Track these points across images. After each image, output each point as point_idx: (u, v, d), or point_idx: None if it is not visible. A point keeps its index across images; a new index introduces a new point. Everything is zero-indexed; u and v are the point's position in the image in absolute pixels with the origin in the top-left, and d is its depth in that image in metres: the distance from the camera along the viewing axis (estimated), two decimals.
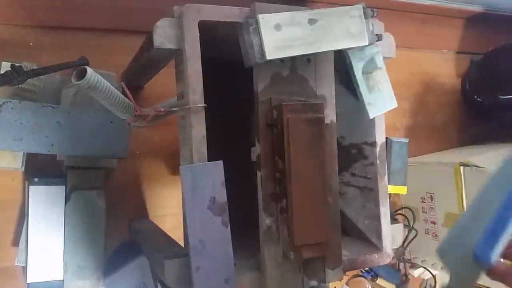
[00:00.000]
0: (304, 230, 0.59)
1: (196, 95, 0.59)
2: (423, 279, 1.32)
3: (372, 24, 0.63)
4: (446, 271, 0.39)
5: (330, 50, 0.62)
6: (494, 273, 0.38)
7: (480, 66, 1.44)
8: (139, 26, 0.89)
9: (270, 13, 0.57)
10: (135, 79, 0.96)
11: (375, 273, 1.21)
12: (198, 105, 0.59)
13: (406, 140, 1.09)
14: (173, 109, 0.68)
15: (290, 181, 0.58)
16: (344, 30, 0.60)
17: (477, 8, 1.38)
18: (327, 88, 0.67)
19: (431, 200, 1.20)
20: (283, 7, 0.61)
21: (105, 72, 0.90)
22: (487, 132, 1.43)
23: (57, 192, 0.87)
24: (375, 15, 0.64)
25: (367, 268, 1.21)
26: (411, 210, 1.22)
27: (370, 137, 0.76)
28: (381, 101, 0.72)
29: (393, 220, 0.78)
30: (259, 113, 0.62)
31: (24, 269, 0.86)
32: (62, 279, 0.85)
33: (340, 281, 0.76)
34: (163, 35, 0.59)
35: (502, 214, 0.38)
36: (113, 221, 0.93)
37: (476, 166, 1.06)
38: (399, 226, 0.78)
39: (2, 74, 0.74)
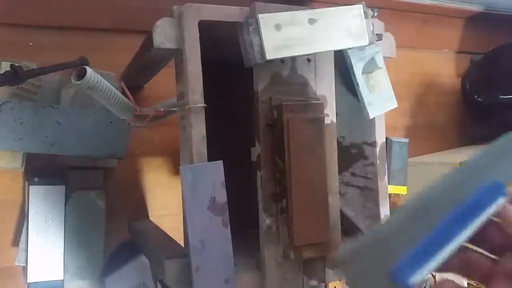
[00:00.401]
0: (304, 230, 0.59)
1: (196, 95, 0.59)
2: None
3: (372, 24, 0.63)
4: (348, 282, 0.31)
5: (330, 50, 0.62)
6: None
7: (480, 66, 1.44)
8: (139, 26, 0.89)
9: (270, 13, 0.57)
10: (135, 79, 0.96)
11: None
12: (198, 105, 0.59)
13: (406, 140, 1.09)
14: (173, 109, 0.68)
15: (290, 181, 0.58)
16: (344, 30, 0.60)
17: (477, 8, 1.38)
18: (327, 88, 0.67)
19: None
20: (283, 7, 0.61)
21: (105, 72, 0.90)
22: (487, 132, 1.43)
23: (57, 192, 0.87)
24: (375, 15, 0.64)
25: None
26: None
27: (370, 137, 0.75)
28: (381, 101, 0.72)
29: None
30: (259, 113, 0.62)
31: (24, 269, 0.86)
32: (62, 279, 0.85)
33: (340, 281, 0.76)
34: (163, 35, 0.59)
35: (442, 232, 0.29)
36: (113, 221, 0.93)
37: None
38: None
39: (1, 74, 0.74)
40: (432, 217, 0.29)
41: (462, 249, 0.31)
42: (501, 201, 0.30)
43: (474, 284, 0.33)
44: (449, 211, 0.29)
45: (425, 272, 0.28)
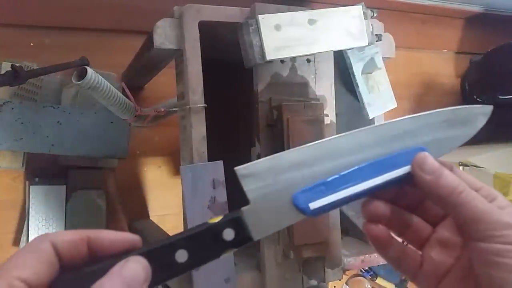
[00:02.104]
0: (304, 230, 0.59)
1: (196, 96, 0.59)
2: None
3: (372, 25, 0.63)
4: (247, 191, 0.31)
5: (330, 51, 0.62)
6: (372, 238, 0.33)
7: (480, 66, 1.44)
8: (139, 26, 0.89)
9: (270, 13, 0.57)
10: (135, 79, 0.96)
11: (374, 273, 1.22)
12: (198, 105, 0.59)
13: None
14: (173, 109, 0.68)
15: None
16: (343, 31, 0.60)
17: (477, 8, 1.38)
18: (327, 88, 0.67)
19: None
20: (283, 7, 0.61)
21: (105, 72, 0.90)
22: (487, 132, 1.43)
23: (58, 192, 0.87)
24: (374, 15, 0.64)
25: (366, 268, 1.21)
26: None
27: None
28: (380, 101, 0.72)
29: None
30: (259, 113, 0.62)
31: None
32: None
33: (340, 280, 0.77)
34: (164, 35, 0.60)
35: (353, 174, 0.30)
36: (113, 221, 0.93)
37: (476, 166, 1.06)
38: None
39: (2, 74, 0.75)
40: (343, 160, 0.31)
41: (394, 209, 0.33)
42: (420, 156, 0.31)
43: (404, 243, 0.34)
44: (367, 160, 0.31)
45: (327, 203, 0.30)
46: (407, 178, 0.31)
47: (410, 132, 0.32)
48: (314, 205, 0.30)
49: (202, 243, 0.29)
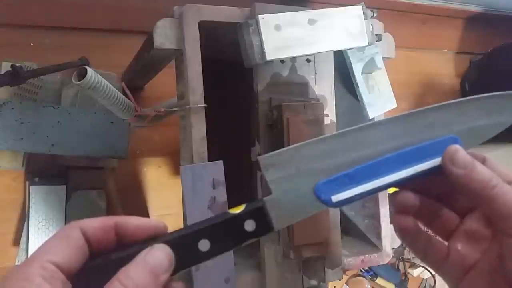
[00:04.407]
0: (303, 230, 0.59)
1: (196, 96, 0.59)
2: (423, 279, 1.32)
3: (372, 25, 0.63)
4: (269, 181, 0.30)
5: (330, 51, 0.62)
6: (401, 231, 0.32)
7: (480, 67, 1.44)
8: (139, 26, 0.89)
9: (270, 13, 0.57)
10: (135, 79, 0.96)
11: (374, 273, 1.22)
12: (198, 105, 0.59)
13: None
14: (174, 109, 0.68)
15: None
16: (343, 31, 0.60)
17: (477, 8, 1.38)
18: (327, 88, 0.67)
19: None
20: (283, 8, 0.61)
21: (105, 72, 0.90)
22: None
23: (58, 192, 0.87)
24: (374, 15, 0.64)
25: (366, 268, 1.21)
26: None
27: None
28: (380, 101, 0.72)
29: (391, 219, 0.78)
30: (259, 113, 0.62)
31: None
32: None
33: (340, 280, 0.77)
34: (164, 35, 0.60)
35: (378, 165, 0.29)
36: None
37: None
38: None
39: (2, 74, 0.75)
40: (369, 150, 0.30)
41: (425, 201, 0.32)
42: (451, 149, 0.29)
43: (430, 233, 0.34)
44: (393, 150, 0.30)
45: (349, 196, 0.29)
46: (437, 170, 0.30)
47: (442, 121, 0.30)
48: (337, 197, 0.29)
49: (225, 233, 0.29)
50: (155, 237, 0.29)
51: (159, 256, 0.27)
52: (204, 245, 0.28)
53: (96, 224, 0.28)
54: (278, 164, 0.30)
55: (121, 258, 0.27)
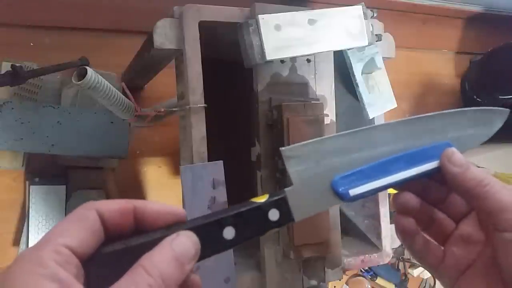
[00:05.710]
0: (304, 230, 0.59)
1: (196, 96, 0.59)
2: (423, 279, 1.32)
3: (372, 25, 0.63)
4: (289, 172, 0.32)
5: (330, 51, 0.62)
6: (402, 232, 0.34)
7: (480, 67, 1.44)
8: (139, 26, 0.89)
9: (270, 13, 0.57)
10: (135, 79, 0.96)
11: (374, 273, 1.22)
12: (198, 105, 0.59)
13: None
14: (174, 109, 0.68)
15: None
16: (343, 31, 0.60)
17: (477, 8, 1.38)
18: (327, 88, 0.67)
19: None
20: (283, 7, 0.61)
21: (105, 72, 0.90)
22: None
23: (58, 192, 0.87)
24: (374, 15, 0.64)
25: (366, 268, 1.21)
26: None
27: None
28: (380, 101, 0.72)
29: (393, 220, 0.78)
30: (259, 113, 0.62)
31: None
32: None
33: (340, 280, 0.77)
34: (163, 35, 0.60)
35: (389, 163, 0.32)
36: None
37: (476, 166, 1.06)
38: None
39: (2, 74, 0.75)
40: (379, 150, 0.33)
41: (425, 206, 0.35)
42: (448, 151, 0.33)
43: (426, 236, 0.36)
44: (399, 150, 0.33)
45: (365, 191, 0.32)
46: (436, 171, 0.33)
47: (440, 127, 0.34)
48: (354, 191, 0.31)
49: (249, 221, 0.29)
50: (177, 223, 0.28)
51: (185, 243, 0.26)
52: (229, 233, 0.28)
53: (115, 206, 0.26)
54: (299, 156, 0.32)
55: (143, 244, 0.25)
